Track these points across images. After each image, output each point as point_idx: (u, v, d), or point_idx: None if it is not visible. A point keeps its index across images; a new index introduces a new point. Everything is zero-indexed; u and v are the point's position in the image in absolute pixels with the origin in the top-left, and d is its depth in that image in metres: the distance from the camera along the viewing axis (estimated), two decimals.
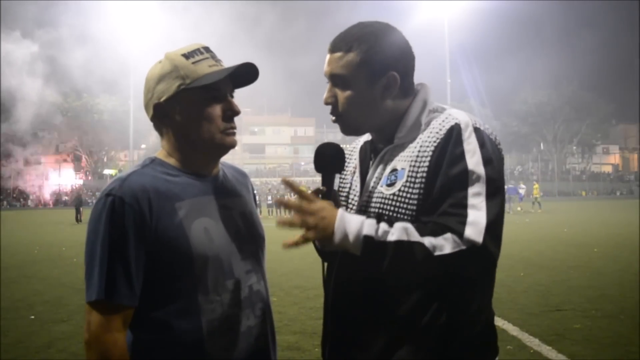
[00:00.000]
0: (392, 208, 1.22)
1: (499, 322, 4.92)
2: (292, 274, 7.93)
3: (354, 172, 1.41)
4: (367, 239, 1.12)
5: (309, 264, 8.38)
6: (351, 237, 1.12)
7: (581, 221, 19.21)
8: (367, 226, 1.13)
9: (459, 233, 1.10)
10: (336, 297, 1.33)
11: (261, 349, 1.33)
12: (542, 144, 63.05)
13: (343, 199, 1.40)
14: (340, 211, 1.16)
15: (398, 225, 1.13)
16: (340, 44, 1.27)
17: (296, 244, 1.13)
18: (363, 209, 1.29)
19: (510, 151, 61.99)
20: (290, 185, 1.16)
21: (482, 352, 1.24)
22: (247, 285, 1.30)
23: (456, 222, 1.11)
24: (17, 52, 39.80)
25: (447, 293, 1.18)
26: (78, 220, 23.47)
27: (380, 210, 1.24)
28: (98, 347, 1.14)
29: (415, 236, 1.11)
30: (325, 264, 1.39)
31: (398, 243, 1.11)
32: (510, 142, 59.72)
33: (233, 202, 1.36)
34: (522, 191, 29.86)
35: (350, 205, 1.36)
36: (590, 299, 5.92)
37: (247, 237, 1.35)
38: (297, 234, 1.14)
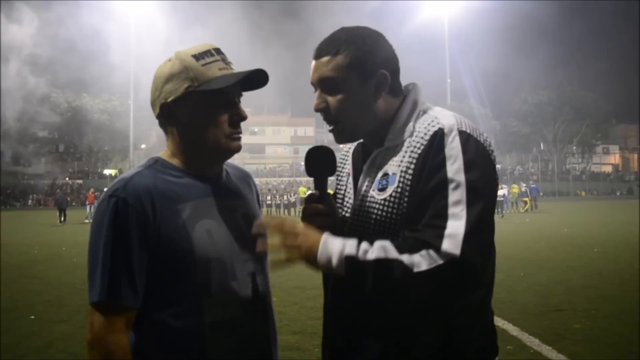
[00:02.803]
0: (383, 213, 1.22)
1: (499, 322, 4.91)
2: (292, 274, 7.91)
3: (349, 175, 1.40)
4: (349, 259, 1.12)
5: None
6: (335, 257, 1.13)
7: (581, 221, 19.21)
8: (349, 246, 1.14)
9: (436, 247, 1.08)
10: (335, 300, 1.33)
11: (263, 350, 1.33)
12: (542, 144, 62.95)
13: (339, 202, 1.40)
14: (325, 234, 1.17)
15: (377, 244, 1.14)
16: (327, 48, 1.26)
17: (281, 264, 1.14)
18: (356, 213, 1.29)
19: (510, 151, 61.90)
20: (269, 222, 1.17)
21: (482, 352, 1.24)
22: (249, 287, 1.30)
23: (434, 235, 1.10)
24: (15, 50, 39.75)
25: (463, 296, 1.18)
26: (61, 221, 22.64)
27: (373, 215, 1.23)
28: (101, 348, 1.14)
29: (393, 254, 1.11)
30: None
31: (377, 261, 1.11)
32: (510, 142, 59.66)
33: (236, 204, 1.36)
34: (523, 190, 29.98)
35: (345, 209, 1.36)
36: (590, 299, 5.92)
37: (250, 238, 1.34)
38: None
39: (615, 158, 72.62)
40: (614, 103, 62.00)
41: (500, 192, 21.55)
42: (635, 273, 7.49)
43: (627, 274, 7.53)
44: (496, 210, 19.25)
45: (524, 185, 31.30)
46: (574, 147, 63.86)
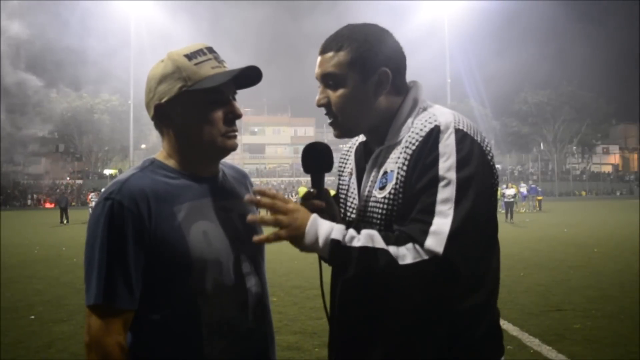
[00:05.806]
0: (384, 211, 1.22)
1: None
2: (292, 274, 7.94)
3: (351, 175, 1.40)
4: (334, 243, 1.12)
5: (309, 264, 8.37)
6: (320, 240, 1.13)
7: (581, 221, 19.20)
8: (336, 231, 1.14)
9: (420, 243, 1.09)
10: (342, 302, 1.33)
11: (260, 351, 1.33)
12: (542, 144, 62.98)
13: (342, 202, 1.40)
14: (314, 215, 1.17)
15: (365, 232, 1.14)
16: (330, 44, 1.27)
17: (267, 240, 1.15)
18: (361, 213, 1.28)
19: (510, 151, 61.99)
20: (263, 192, 1.18)
21: (487, 351, 1.24)
22: (246, 288, 1.29)
23: (419, 231, 1.10)
24: (15, 50, 39.68)
25: (449, 295, 1.18)
26: (62, 221, 22.66)
27: (375, 214, 1.24)
28: (98, 350, 1.14)
29: (380, 243, 1.11)
30: (323, 268, 1.38)
31: (363, 249, 1.11)
32: (510, 142, 59.74)
33: (232, 204, 1.36)
34: (523, 190, 29.99)
35: (350, 209, 1.36)
36: (590, 299, 5.92)
37: (246, 239, 1.33)
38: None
39: (615, 158, 72.61)
40: (614, 103, 62.03)
41: (510, 192, 21.30)
42: (635, 273, 7.49)
43: (627, 274, 7.53)
44: (506, 214, 19.40)
45: (524, 185, 31.37)
46: (574, 147, 63.91)
